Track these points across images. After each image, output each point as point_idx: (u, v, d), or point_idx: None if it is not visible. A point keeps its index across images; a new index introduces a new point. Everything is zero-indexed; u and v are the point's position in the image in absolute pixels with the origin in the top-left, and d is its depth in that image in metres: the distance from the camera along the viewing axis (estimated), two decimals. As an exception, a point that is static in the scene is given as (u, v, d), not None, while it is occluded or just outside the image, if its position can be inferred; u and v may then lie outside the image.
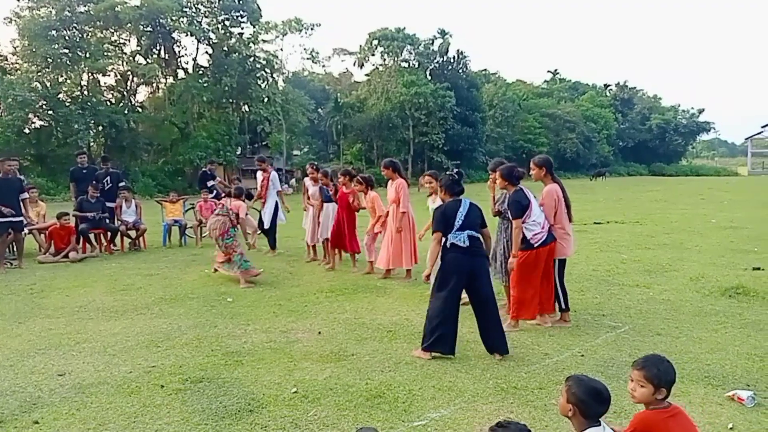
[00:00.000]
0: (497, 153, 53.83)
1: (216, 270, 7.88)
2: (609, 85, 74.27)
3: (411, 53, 49.83)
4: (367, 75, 51.93)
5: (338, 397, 3.70)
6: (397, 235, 7.22)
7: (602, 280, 7.32)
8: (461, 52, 50.78)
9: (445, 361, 4.35)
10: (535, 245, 5.05)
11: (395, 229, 7.21)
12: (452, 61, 50.66)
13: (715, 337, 4.91)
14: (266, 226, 9.78)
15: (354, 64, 51.62)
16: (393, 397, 3.69)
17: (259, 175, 10.15)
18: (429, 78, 48.89)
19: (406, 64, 49.60)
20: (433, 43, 50.23)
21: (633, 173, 63.96)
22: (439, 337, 4.37)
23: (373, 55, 49.90)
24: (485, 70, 62.61)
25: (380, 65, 50.30)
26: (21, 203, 8.88)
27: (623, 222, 14.21)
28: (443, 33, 50.18)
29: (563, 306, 5.33)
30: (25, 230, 9.49)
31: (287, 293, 6.77)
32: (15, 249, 9.40)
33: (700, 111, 70.48)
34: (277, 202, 9.90)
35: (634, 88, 74.16)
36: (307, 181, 9.34)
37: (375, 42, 48.78)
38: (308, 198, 9.13)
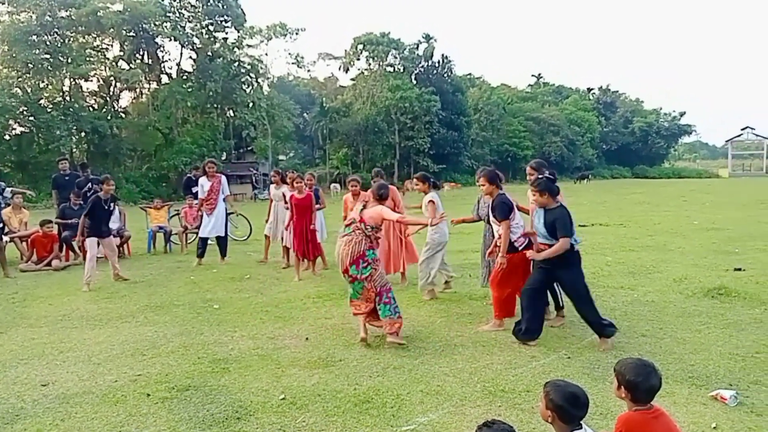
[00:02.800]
0: (482, 157, 54.24)
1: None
2: (592, 89, 75.08)
3: (396, 58, 50.04)
4: (352, 79, 52.03)
5: (326, 403, 3.69)
6: (393, 241, 7.25)
7: (587, 282, 7.37)
8: (446, 57, 51.07)
9: (432, 366, 4.36)
10: (519, 248, 5.12)
11: (403, 234, 7.30)
12: (437, 65, 50.92)
13: (699, 337, 4.98)
14: (217, 233, 9.37)
15: (339, 69, 51.76)
16: (381, 402, 3.69)
17: (203, 180, 9.40)
18: (414, 82, 49.10)
19: (391, 69, 49.77)
20: (417, 48, 50.48)
21: (617, 176, 64.66)
22: None
23: (358, 59, 50.02)
24: (470, 74, 63.03)
25: (366, 70, 50.42)
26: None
27: (607, 224, 14.36)
28: (428, 38, 50.46)
29: (561, 304, 5.47)
30: (6, 238, 9.35)
31: (274, 299, 6.74)
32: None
33: (682, 114, 71.48)
34: (225, 208, 9.53)
35: (617, 91, 75.08)
36: (272, 188, 9.42)
37: (360, 46, 48.89)
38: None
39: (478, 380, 4.06)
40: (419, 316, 5.85)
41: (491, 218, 5.36)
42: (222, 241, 9.48)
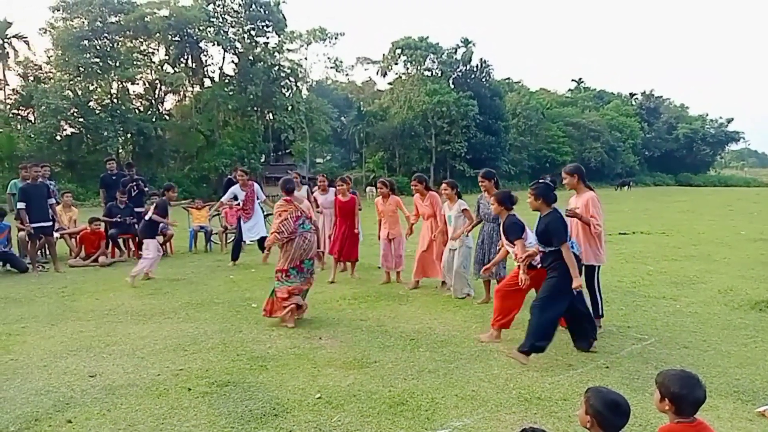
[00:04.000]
0: (520, 162, 53.62)
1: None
2: (635, 94, 73.33)
3: (434, 62, 49.92)
4: (390, 84, 52.16)
5: (361, 404, 3.73)
6: (429, 247, 7.26)
7: (628, 291, 7.23)
8: (484, 61, 50.72)
9: (467, 370, 4.36)
10: (538, 266, 4.96)
11: (431, 239, 7.25)
12: (475, 69, 50.59)
13: (745, 351, 4.82)
14: (254, 237, 9.63)
15: (377, 73, 51.89)
16: (416, 405, 3.71)
17: (236, 188, 9.69)
18: (452, 87, 48.90)
19: (428, 73, 49.69)
20: (456, 52, 50.26)
21: (659, 183, 62.93)
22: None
23: (396, 63, 50.11)
24: (508, 78, 62.37)
25: (403, 74, 50.48)
26: (50, 208, 9.14)
27: (649, 233, 13.99)
28: (466, 42, 50.19)
29: (601, 312, 5.39)
30: (56, 234, 9.76)
31: (310, 300, 6.79)
32: (47, 253, 9.67)
33: (729, 120, 69.10)
34: (263, 210, 9.78)
35: (661, 97, 73.10)
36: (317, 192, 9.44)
37: (398, 51, 48.99)
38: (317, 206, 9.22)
39: (513, 387, 4.03)
40: (454, 320, 5.84)
41: (505, 241, 5.39)
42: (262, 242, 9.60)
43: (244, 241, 9.77)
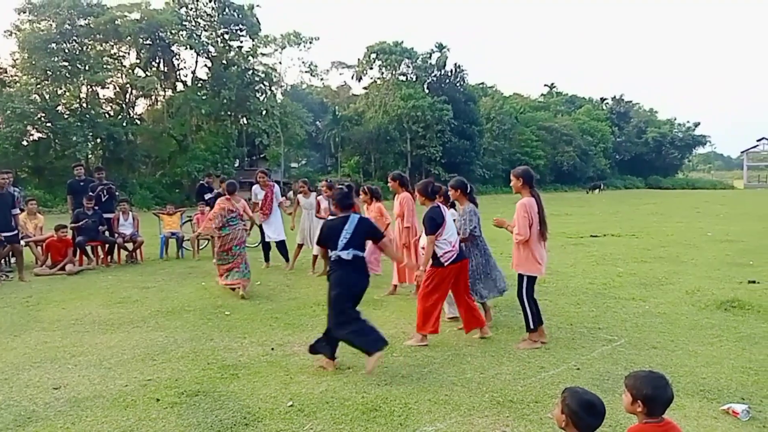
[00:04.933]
0: (494, 166, 54.13)
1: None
2: (605, 99, 74.72)
3: (409, 67, 50.17)
4: (365, 88, 52.22)
5: (334, 411, 3.70)
6: (404, 250, 7.17)
7: (598, 293, 7.34)
8: (459, 66, 51.12)
9: (440, 375, 4.36)
10: (445, 263, 5.06)
11: (401, 245, 7.13)
12: (450, 74, 50.98)
13: (711, 350, 4.93)
14: (277, 238, 9.67)
15: (352, 78, 51.93)
16: (389, 411, 3.69)
17: (256, 188, 9.96)
18: (427, 91, 49.19)
19: (404, 78, 49.91)
20: (430, 57, 50.59)
21: (630, 186, 64.19)
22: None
23: (371, 68, 50.21)
24: (482, 83, 63.00)
25: (378, 78, 50.61)
26: (13, 218, 8.87)
27: (619, 235, 14.25)
28: (441, 47, 50.58)
29: (531, 326, 5.05)
30: (21, 243, 9.47)
31: (284, 306, 6.77)
32: (11, 262, 9.39)
33: (696, 124, 70.87)
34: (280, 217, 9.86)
35: (630, 101, 74.65)
36: (300, 197, 9.50)
37: (373, 55, 49.12)
38: (318, 211, 9.25)
39: (486, 390, 4.05)
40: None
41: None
42: (281, 246, 9.70)
43: (267, 242, 9.83)
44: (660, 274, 8.61)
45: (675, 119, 72.32)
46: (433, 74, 50.95)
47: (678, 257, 10.30)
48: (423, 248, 5.23)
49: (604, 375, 4.33)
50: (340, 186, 8.24)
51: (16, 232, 8.94)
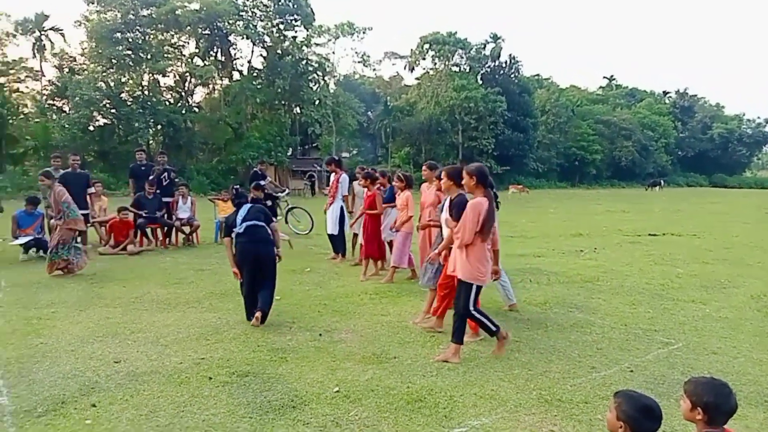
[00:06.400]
0: (548, 160, 52.95)
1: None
2: (668, 93, 71.71)
3: (462, 57, 49.62)
4: (417, 79, 52.03)
5: (379, 399, 3.72)
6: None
7: (655, 294, 7.07)
8: (513, 57, 50.21)
9: (487, 369, 4.31)
10: None
11: (427, 234, 6.97)
12: (504, 65, 50.14)
13: (777, 359, 4.66)
14: (330, 231, 9.34)
15: (405, 68, 51.86)
16: (434, 402, 3.69)
17: (332, 177, 9.56)
18: (480, 82, 48.54)
19: (456, 69, 49.41)
20: (485, 48, 49.84)
21: (692, 184, 61.55)
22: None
23: (423, 59, 49.94)
24: (538, 75, 61.62)
25: (431, 69, 50.30)
26: (88, 197, 9.42)
27: (680, 234, 13.67)
28: (495, 37, 49.73)
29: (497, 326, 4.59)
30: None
31: (332, 293, 6.86)
32: (79, 240, 9.89)
33: (767, 121, 67.03)
34: (342, 207, 9.35)
35: (695, 95, 71.30)
36: (356, 185, 9.38)
37: (426, 46, 48.80)
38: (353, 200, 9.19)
39: (533, 387, 3.98)
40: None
41: (446, 217, 4.98)
42: (334, 239, 9.39)
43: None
44: (723, 276, 8.21)
45: (744, 115, 68.84)
46: (486, 65, 50.22)
47: (743, 260, 9.79)
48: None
49: (659, 379, 4.18)
50: (371, 172, 8.26)
51: (88, 211, 9.48)
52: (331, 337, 5.08)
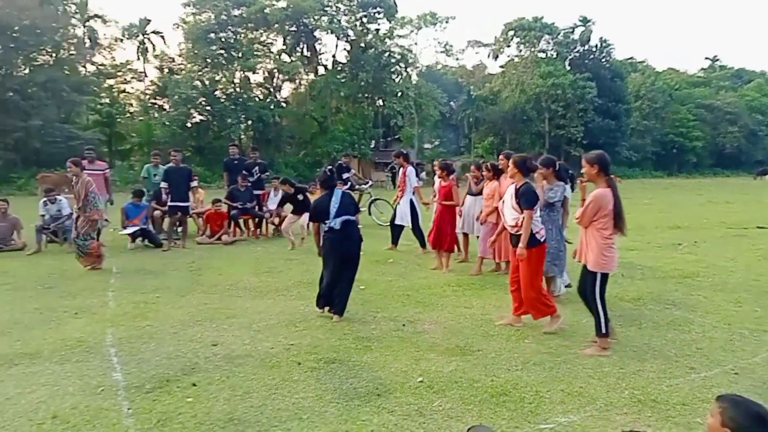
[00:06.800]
0: (643, 148, 50.06)
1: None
2: (781, 72, 65.27)
3: (549, 43, 47.87)
4: (501, 67, 50.84)
5: (463, 391, 3.72)
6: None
7: (764, 291, 6.53)
8: (604, 40, 47.78)
9: (575, 366, 4.18)
10: (541, 240, 4.94)
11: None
12: (594, 49, 47.85)
13: None
14: (399, 222, 9.31)
15: (488, 56, 50.84)
16: (519, 397, 3.63)
17: (411, 169, 9.44)
18: (568, 68, 46.62)
19: (543, 55, 47.75)
20: (573, 32, 47.80)
21: (809, 172, 55.80)
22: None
23: (508, 46, 48.71)
24: (631, 58, 58.25)
25: (516, 56, 48.95)
26: (190, 190, 10.11)
27: (794, 228, 12.48)
28: (585, 21, 47.52)
29: (603, 330, 4.44)
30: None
31: (415, 284, 6.91)
32: (179, 230, 10.62)
33: None
34: (412, 200, 9.29)
35: (814, 74, 64.46)
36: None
37: (511, 32, 47.54)
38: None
39: (625, 386, 3.81)
40: (563, 313, 5.60)
41: (512, 205, 4.99)
42: (396, 230, 9.44)
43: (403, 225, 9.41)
44: None
45: None
46: (575, 50, 48.16)
47: None
48: (512, 226, 5.02)
49: (768, 383, 3.87)
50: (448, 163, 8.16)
51: (188, 203, 10.16)
52: (415, 327, 5.13)
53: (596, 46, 47.84)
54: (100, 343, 4.71)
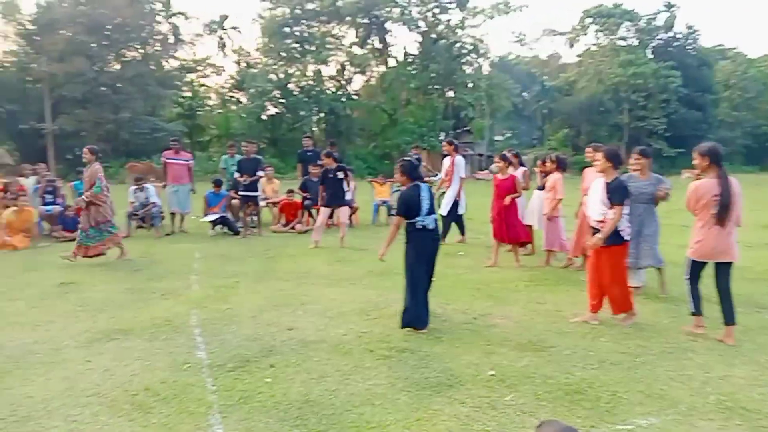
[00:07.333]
0: (732, 140, 46.82)
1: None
2: None
3: (629, 30, 45.66)
4: (578, 56, 49.04)
5: (536, 387, 3.67)
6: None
7: None
8: (690, 27, 45.05)
9: (655, 367, 4.02)
10: (627, 238, 4.86)
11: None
12: (679, 36, 45.23)
13: None
14: (443, 211, 9.12)
15: (564, 45, 49.16)
16: (595, 396, 3.54)
17: (459, 159, 9.38)
18: (650, 56, 44.28)
19: (623, 43, 45.58)
20: (656, 18, 45.33)
21: None
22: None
23: (585, 34, 46.91)
24: (720, 45, 54.43)
25: (593, 45, 47.03)
26: (258, 181, 10.43)
27: None
28: (669, 6, 44.94)
29: (692, 309, 4.78)
30: (262, 203, 11.09)
31: (486, 278, 6.85)
32: (254, 219, 11.04)
33: None
34: (459, 190, 9.21)
35: None
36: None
37: (589, 20, 45.73)
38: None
39: (711, 391, 3.63)
40: (643, 312, 5.38)
41: (601, 200, 4.82)
42: (445, 220, 9.26)
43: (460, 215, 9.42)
44: None
45: None
46: (658, 37, 45.68)
47: None
48: (599, 221, 4.84)
49: None
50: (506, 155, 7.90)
51: (257, 193, 10.51)
52: (486, 321, 5.10)
53: (681, 32, 45.14)
54: (185, 323, 5.01)
